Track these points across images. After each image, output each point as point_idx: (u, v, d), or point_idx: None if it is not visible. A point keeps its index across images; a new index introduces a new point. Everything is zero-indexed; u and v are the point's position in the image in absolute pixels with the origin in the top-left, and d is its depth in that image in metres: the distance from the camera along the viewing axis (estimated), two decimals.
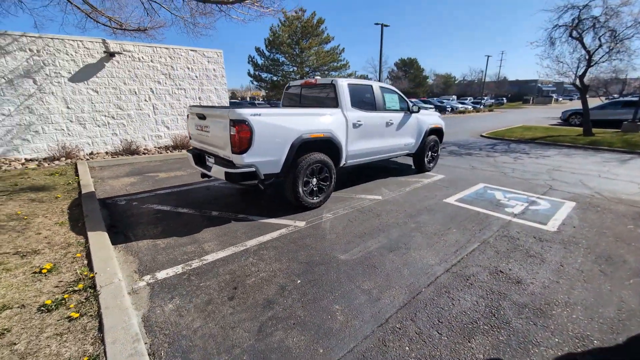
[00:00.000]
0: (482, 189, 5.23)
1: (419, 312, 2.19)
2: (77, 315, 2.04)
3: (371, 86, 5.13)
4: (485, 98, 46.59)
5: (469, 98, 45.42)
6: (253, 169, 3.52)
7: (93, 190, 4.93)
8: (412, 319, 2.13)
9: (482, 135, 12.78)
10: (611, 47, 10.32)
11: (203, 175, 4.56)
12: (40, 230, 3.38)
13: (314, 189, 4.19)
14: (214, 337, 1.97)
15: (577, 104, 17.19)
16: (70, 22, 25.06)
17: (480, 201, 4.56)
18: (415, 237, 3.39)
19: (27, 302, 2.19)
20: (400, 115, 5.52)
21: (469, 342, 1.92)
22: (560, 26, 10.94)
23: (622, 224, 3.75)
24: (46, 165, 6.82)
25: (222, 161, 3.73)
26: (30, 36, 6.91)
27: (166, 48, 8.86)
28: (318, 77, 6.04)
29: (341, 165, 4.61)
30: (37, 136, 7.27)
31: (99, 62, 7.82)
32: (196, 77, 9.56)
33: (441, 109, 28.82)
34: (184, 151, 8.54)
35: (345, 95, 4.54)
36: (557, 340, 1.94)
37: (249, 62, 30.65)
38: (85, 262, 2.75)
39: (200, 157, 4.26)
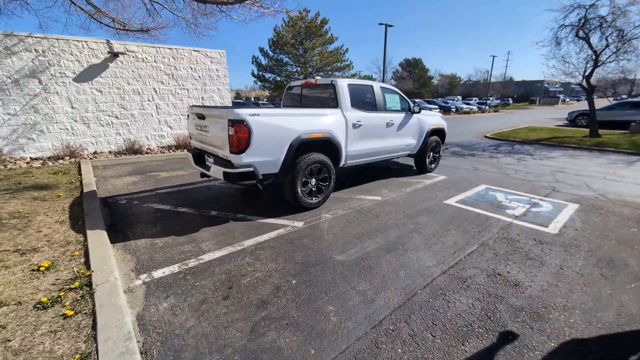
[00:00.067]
0: (483, 190, 5.17)
1: (414, 314, 2.17)
2: (72, 312, 2.06)
3: (371, 86, 5.10)
4: (491, 99, 46.19)
5: (474, 99, 44.98)
6: (251, 169, 3.53)
7: (95, 189, 4.98)
8: (406, 320, 2.11)
9: (486, 136, 12.66)
10: (618, 47, 10.14)
11: (202, 175, 4.58)
12: (41, 229, 3.42)
13: (313, 189, 4.18)
14: (206, 336, 1.97)
15: (584, 105, 16.92)
16: (74, 23, 25.52)
17: (481, 203, 4.52)
18: (414, 238, 3.36)
19: (24, 299, 2.22)
20: (401, 115, 5.48)
21: (462, 345, 1.90)
22: (566, 26, 10.78)
23: (626, 226, 3.68)
24: (50, 164, 6.91)
25: (221, 161, 3.74)
26: (36, 37, 7.01)
27: (169, 48, 8.92)
28: (318, 78, 6.04)
29: (341, 165, 4.59)
30: (42, 135, 7.37)
31: (103, 62, 7.91)
32: (199, 77, 9.62)
33: (446, 110, 28.71)
34: (186, 151, 8.59)
35: (345, 96, 4.53)
36: (553, 344, 1.91)
37: (253, 63, 30.85)
38: (83, 260, 2.77)
39: (200, 156, 4.27)
